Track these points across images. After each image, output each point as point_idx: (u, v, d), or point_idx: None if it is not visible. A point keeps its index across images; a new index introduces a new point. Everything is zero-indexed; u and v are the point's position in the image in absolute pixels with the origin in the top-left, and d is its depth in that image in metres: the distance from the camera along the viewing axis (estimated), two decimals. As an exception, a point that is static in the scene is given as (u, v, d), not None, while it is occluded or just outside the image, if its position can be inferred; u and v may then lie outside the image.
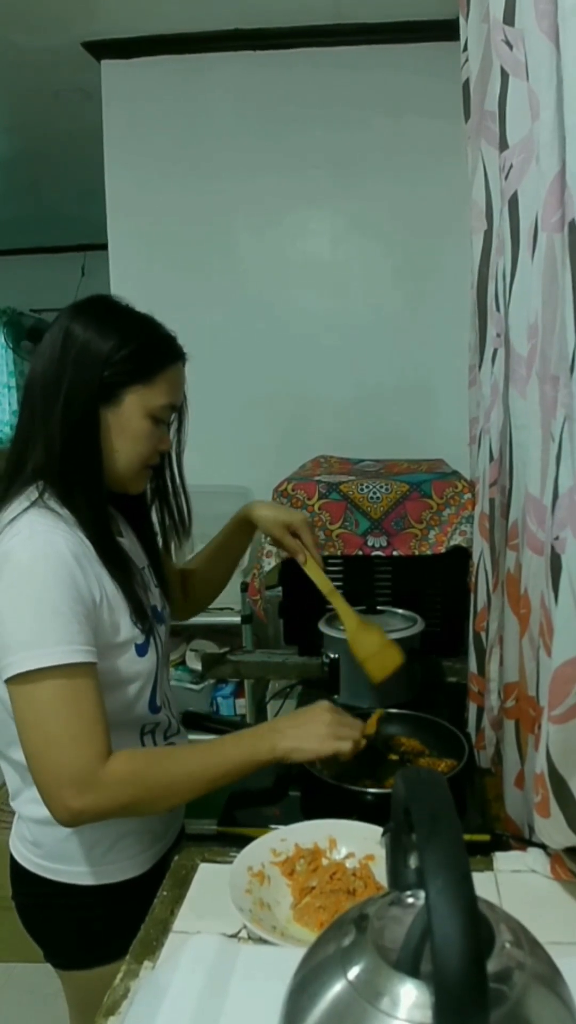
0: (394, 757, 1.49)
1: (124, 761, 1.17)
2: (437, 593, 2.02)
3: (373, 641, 1.60)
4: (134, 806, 1.20)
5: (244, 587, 2.50)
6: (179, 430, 1.41)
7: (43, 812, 1.18)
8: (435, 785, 0.64)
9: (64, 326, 1.27)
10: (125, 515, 1.45)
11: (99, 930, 1.32)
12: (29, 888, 1.35)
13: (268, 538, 1.70)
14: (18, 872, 1.36)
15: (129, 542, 1.41)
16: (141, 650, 1.32)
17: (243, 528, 1.70)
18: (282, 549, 1.64)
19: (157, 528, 1.50)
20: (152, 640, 1.35)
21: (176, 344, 1.36)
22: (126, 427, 1.28)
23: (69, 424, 1.24)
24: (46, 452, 1.25)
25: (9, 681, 1.14)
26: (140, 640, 1.31)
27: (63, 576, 1.16)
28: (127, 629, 1.28)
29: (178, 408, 1.37)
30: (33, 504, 1.22)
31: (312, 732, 1.28)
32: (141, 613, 1.31)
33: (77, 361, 1.25)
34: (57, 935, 1.37)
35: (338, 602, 1.61)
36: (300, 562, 1.60)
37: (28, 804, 1.30)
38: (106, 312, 1.30)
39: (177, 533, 1.51)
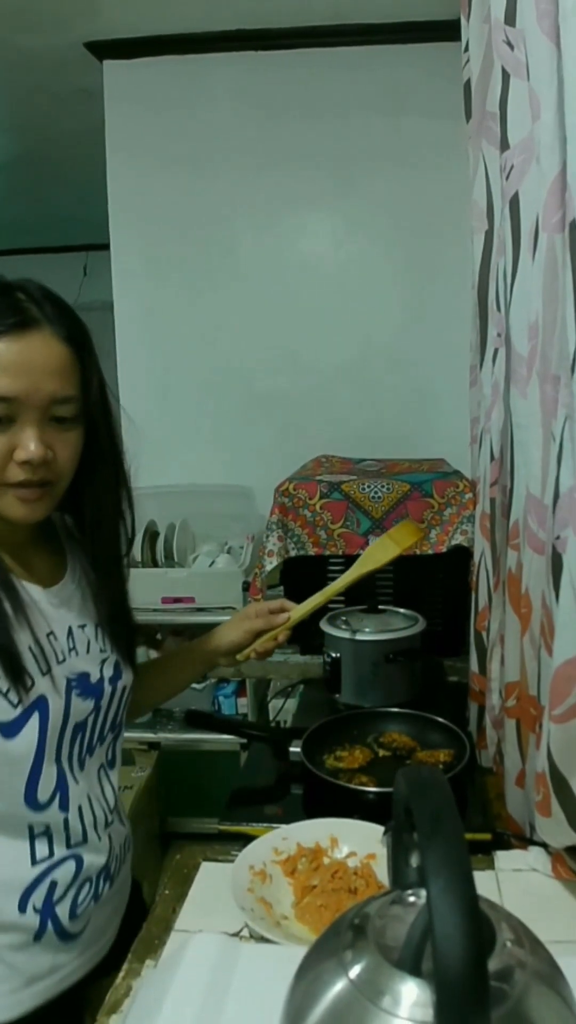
0: (386, 754, 1.50)
1: None
2: (438, 592, 2.02)
3: (378, 545, 1.49)
4: None
5: (246, 587, 2.51)
6: (97, 428, 1.09)
7: None
8: (436, 784, 0.64)
9: None
10: (88, 553, 1.18)
11: None
12: None
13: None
14: None
15: (68, 592, 1.14)
16: (9, 730, 0.98)
17: (194, 651, 1.45)
18: (262, 636, 1.41)
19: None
20: (36, 715, 1.01)
21: (18, 304, 0.99)
22: None
23: None
24: None
25: None
26: (7, 716, 0.98)
27: None
28: None
29: (34, 400, 0.98)
30: None
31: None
32: (16, 674, 0.99)
33: None
34: None
35: (336, 587, 1.47)
36: (283, 621, 1.40)
37: None
38: None
39: (108, 566, 1.21)
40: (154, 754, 2.90)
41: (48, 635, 1.06)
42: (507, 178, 1.17)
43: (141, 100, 2.98)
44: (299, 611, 1.42)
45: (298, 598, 2.06)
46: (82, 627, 1.13)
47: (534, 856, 1.16)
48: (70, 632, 1.11)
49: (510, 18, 1.10)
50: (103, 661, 1.15)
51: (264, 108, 2.93)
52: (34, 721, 1.00)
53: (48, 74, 3.07)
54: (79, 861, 1.08)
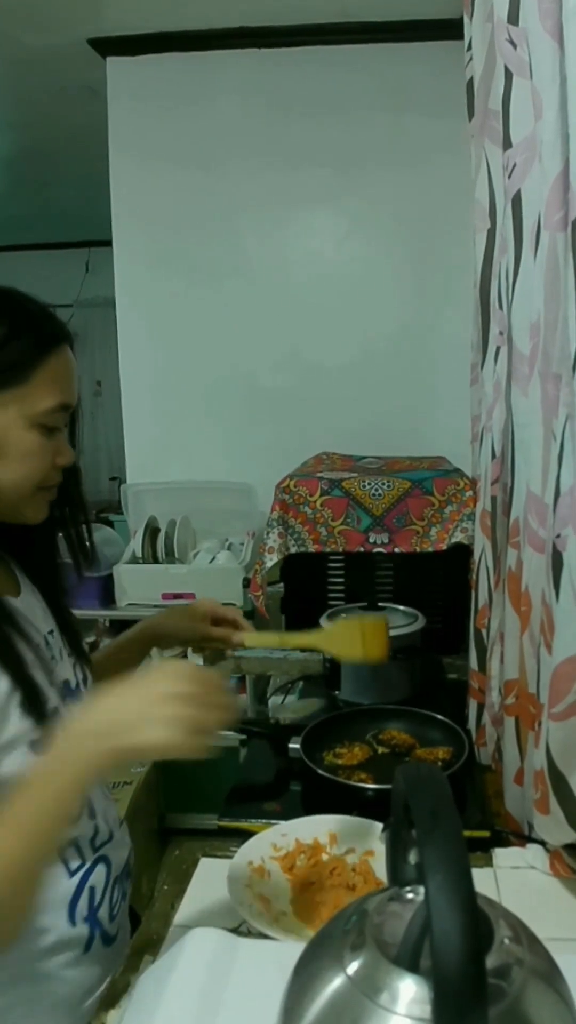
0: (385, 751, 1.50)
1: None
2: (438, 590, 2.02)
3: (349, 629, 1.42)
4: None
5: (246, 583, 2.51)
6: (71, 433, 1.09)
7: None
8: (435, 781, 0.64)
9: None
10: (23, 564, 1.13)
11: None
12: None
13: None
14: None
15: (30, 602, 1.10)
16: (38, 747, 0.95)
17: (145, 648, 1.38)
18: (211, 646, 1.38)
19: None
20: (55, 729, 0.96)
21: (56, 323, 1.02)
22: (4, 445, 0.97)
23: None
24: None
25: None
26: (35, 735, 0.96)
27: None
28: (15, 724, 0.95)
29: (72, 407, 1.04)
30: None
31: (149, 715, 0.85)
32: (35, 702, 0.97)
33: None
34: None
35: (294, 640, 1.48)
36: (238, 643, 1.35)
37: None
38: None
39: (78, 562, 1.19)
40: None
41: (39, 644, 1.05)
42: (509, 177, 1.17)
43: (144, 97, 2.97)
44: (254, 640, 1.37)
45: (298, 594, 2.07)
46: (51, 633, 1.11)
47: (532, 854, 1.16)
48: (47, 640, 1.09)
49: (513, 17, 1.10)
50: (74, 666, 1.14)
51: (267, 106, 2.93)
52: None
53: (52, 71, 3.07)
54: (107, 862, 1.09)
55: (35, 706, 0.96)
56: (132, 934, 1.10)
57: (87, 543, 1.19)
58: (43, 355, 0.98)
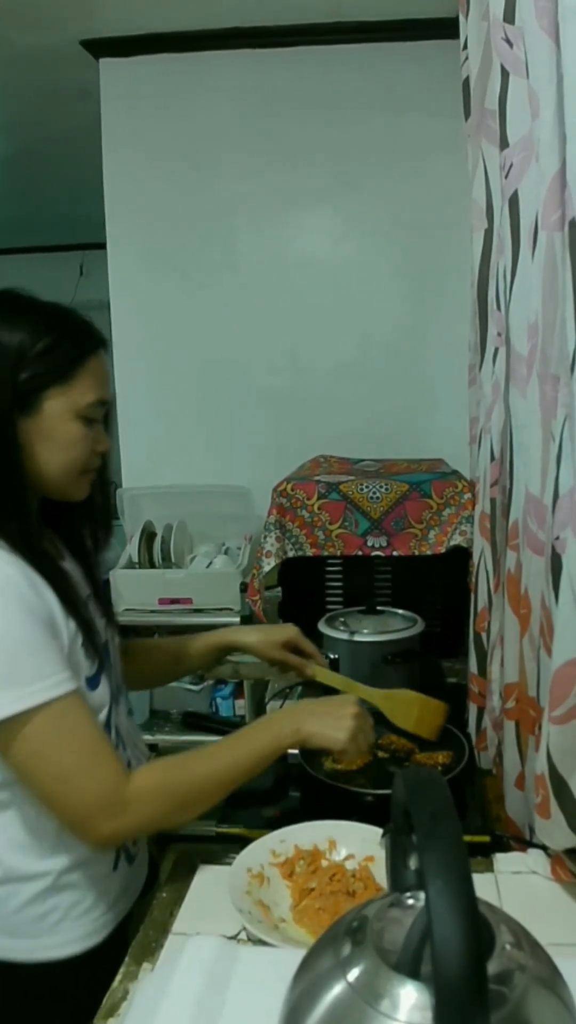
0: (384, 756, 1.49)
1: (147, 775, 1.13)
2: (437, 593, 2.02)
3: (408, 702, 1.54)
4: (167, 817, 1.15)
5: (243, 587, 2.50)
6: (106, 424, 1.28)
7: None
8: (435, 786, 0.64)
9: None
10: (63, 539, 1.32)
11: (47, 1015, 1.17)
12: None
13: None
14: None
15: (71, 568, 1.28)
16: (92, 683, 1.19)
17: (216, 653, 1.58)
18: (285, 669, 1.56)
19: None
20: (104, 672, 1.22)
21: (93, 331, 1.22)
22: (52, 435, 1.15)
23: None
24: None
25: None
26: (90, 672, 1.18)
27: (23, 606, 1.07)
28: (78, 658, 1.16)
29: (108, 402, 1.24)
30: None
31: (338, 723, 1.23)
32: (92, 641, 1.18)
33: None
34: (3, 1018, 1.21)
35: (358, 690, 1.52)
36: (309, 675, 1.53)
37: None
38: (8, 309, 1.17)
39: (96, 540, 1.36)
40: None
41: (84, 600, 1.24)
42: (506, 176, 1.17)
43: (138, 98, 2.97)
44: (323, 676, 1.53)
45: (296, 599, 2.06)
46: (88, 597, 1.28)
47: (533, 858, 1.15)
48: (86, 601, 1.26)
49: (509, 16, 1.09)
50: (105, 627, 1.31)
51: (262, 106, 2.93)
52: (104, 675, 1.22)
53: (44, 72, 3.06)
54: None
55: (93, 646, 1.18)
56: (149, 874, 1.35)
57: (110, 513, 1.40)
58: (84, 358, 1.17)
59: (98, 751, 1.09)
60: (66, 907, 1.17)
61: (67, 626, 1.13)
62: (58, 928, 1.16)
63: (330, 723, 1.23)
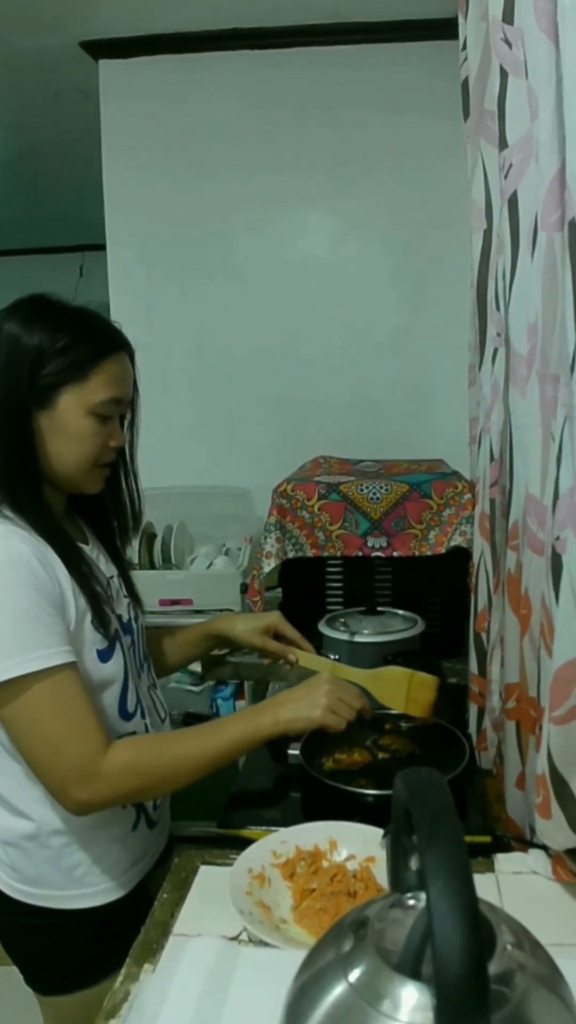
0: (385, 756, 1.49)
1: (123, 750, 1.19)
2: (437, 594, 2.02)
3: (396, 679, 1.52)
4: (140, 792, 1.26)
5: (244, 588, 2.50)
6: (132, 424, 1.38)
7: (15, 835, 1.26)
8: (436, 786, 0.64)
9: None
10: (90, 524, 1.43)
11: (78, 955, 1.31)
12: (7, 910, 1.32)
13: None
14: None
15: (94, 551, 1.38)
16: (104, 656, 1.28)
17: (205, 641, 1.66)
18: (267, 656, 1.62)
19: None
20: (118, 646, 1.31)
21: (115, 334, 1.31)
22: (65, 429, 1.24)
23: (4, 431, 1.22)
24: None
25: None
26: (102, 646, 1.28)
27: (32, 581, 1.15)
28: (88, 633, 1.25)
29: (126, 401, 1.32)
30: None
31: (312, 701, 1.29)
32: (102, 616, 1.27)
33: (6, 365, 1.22)
34: (36, 959, 1.35)
35: (343, 672, 1.53)
36: (291, 661, 1.57)
37: (1, 828, 1.29)
38: (34, 311, 1.25)
39: (124, 532, 1.48)
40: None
41: (105, 583, 1.33)
42: (506, 177, 1.17)
43: (137, 99, 2.97)
44: (306, 660, 1.57)
45: (296, 599, 2.06)
46: (112, 577, 1.39)
47: (534, 859, 1.15)
48: (109, 582, 1.36)
49: (508, 16, 1.09)
50: (128, 606, 1.42)
51: (261, 107, 2.93)
52: (117, 648, 1.31)
53: (43, 74, 3.07)
54: None
55: (103, 623, 1.26)
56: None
57: (139, 514, 1.48)
58: (99, 359, 1.25)
59: (79, 724, 1.16)
60: (89, 862, 1.29)
61: (76, 604, 1.22)
62: (84, 880, 1.29)
63: (304, 705, 1.29)
